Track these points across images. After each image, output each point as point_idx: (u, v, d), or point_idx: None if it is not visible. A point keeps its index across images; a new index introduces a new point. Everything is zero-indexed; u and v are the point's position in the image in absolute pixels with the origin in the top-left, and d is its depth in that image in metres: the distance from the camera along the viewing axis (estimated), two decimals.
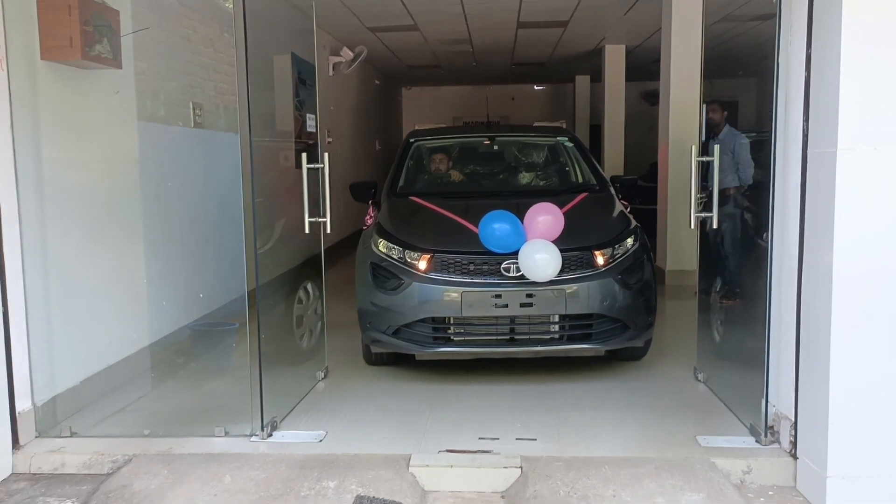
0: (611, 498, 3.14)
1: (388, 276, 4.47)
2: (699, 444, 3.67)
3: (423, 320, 4.39)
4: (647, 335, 4.69)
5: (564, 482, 3.27)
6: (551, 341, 4.45)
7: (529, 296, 4.31)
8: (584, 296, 4.35)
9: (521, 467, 3.43)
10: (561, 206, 4.51)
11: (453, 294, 4.33)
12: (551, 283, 4.27)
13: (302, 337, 4.74)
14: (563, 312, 4.36)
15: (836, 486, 3.11)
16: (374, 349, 4.77)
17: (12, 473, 3.63)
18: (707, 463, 3.44)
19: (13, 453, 3.66)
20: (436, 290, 4.35)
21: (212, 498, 3.19)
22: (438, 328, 4.43)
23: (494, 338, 4.44)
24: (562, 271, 4.27)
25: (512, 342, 4.43)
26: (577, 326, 4.43)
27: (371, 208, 5.41)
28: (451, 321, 4.42)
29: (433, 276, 4.38)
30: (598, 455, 3.56)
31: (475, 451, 3.62)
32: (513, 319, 4.38)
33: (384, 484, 3.28)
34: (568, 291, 4.32)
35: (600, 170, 5.81)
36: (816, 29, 3.17)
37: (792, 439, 3.45)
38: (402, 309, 4.39)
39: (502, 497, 3.35)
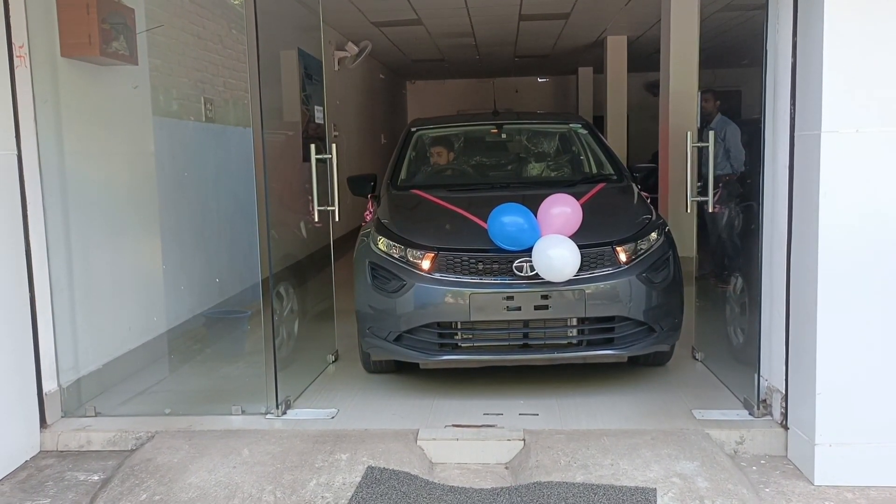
0: (609, 466, 3.31)
1: (388, 276, 4.12)
2: (694, 417, 3.84)
3: (427, 325, 4.05)
4: (673, 338, 4.30)
5: (565, 452, 3.44)
6: (569, 347, 4.10)
7: (545, 297, 3.96)
8: (606, 296, 4.02)
9: (523, 440, 3.60)
10: (577, 197, 4.16)
11: (460, 296, 3.98)
12: (569, 282, 3.93)
13: (311, 322, 4.92)
14: (583, 315, 4.01)
15: (824, 454, 3.27)
16: (374, 357, 4.43)
17: (41, 451, 3.83)
18: (702, 434, 3.61)
19: (41, 432, 3.85)
20: (441, 292, 4.01)
21: (231, 469, 3.37)
22: (444, 334, 4.09)
23: (506, 344, 4.12)
24: (580, 270, 3.92)
25: (525, 348, 4.11)
26: (597, 330, 4.09)
27: (370, 203, 5.10)
28: (459, 326, 4.08)
29: (438, 276, 4.04)
30: (597, 428, 3.74)
31: (480, 426, 3.79)
32: (526, 324, 4.06)
33: (394, 456, 3.46)
34: (587, 292, 3.98)
35: (618, 158, 5.41)
36: (801, 17, 3.32)
37: (783, 411, 3.61)
38: (403, 313, 4.05)
39: (506, 468, 3.52)
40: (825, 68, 3.11)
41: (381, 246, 4.27)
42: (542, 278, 3.93)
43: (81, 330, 4.18)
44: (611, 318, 4.08)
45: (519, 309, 3.99)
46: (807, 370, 3.33)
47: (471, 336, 4.11)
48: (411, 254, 4.14)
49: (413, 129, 5.76)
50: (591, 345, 4.12)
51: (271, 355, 3.98)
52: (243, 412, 4.01)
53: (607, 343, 4.11)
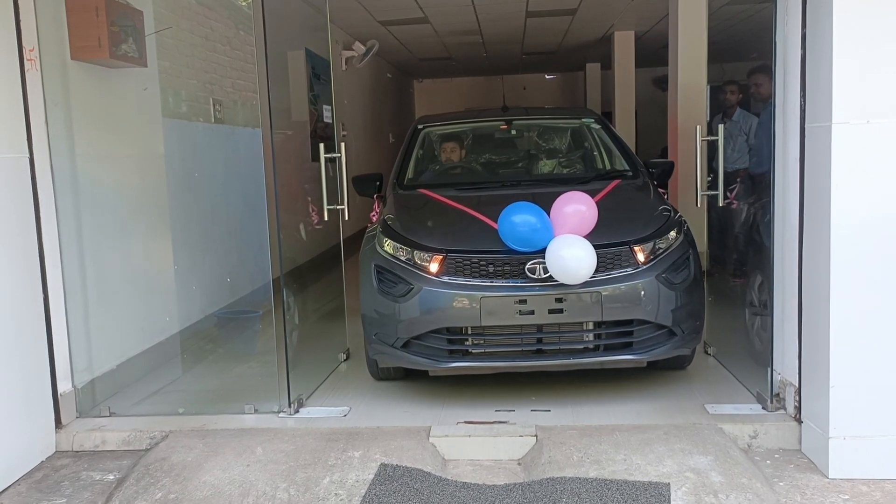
0: (622, 461, 3.31)
1: (395, 280, 3.97)
2: (707, 412, 3.83)
3: (436, 331, 3.90)
4: (695, 341, 4.13)
5: (578, 448, 3.44)
6: (585, 352, 3.96)
7: (559, 300, 3.80)
8: (624, 299, 3.83)
9: (536, 436, 3.60)
10: (591, 195, 3.98)
11: (470, 300, 3.83)
12: (584, 285, 3.76)
13: (322, 321, 4.94)
14: (600, 319, 3.85)
15: (838, 447, 3.26)
16: (381, 363, 4.27)
17: (56, 451, 3.86)
18: (715, 428, 3.60)
19: (56, 432, 3.89)
20: (450, 296, 3.85)
21: (245, 468, 3.39)
22: (454, 340, 3.94)
23: (519, 350, 3.97)
24: (596, 271, 3.76)
25: (539, 354, 3.96)
26: (615, 334, 3.92)
27: (377, 203, 4.92)
28: (469, 331, 3.94)
29: (447, 279, 3.88)
30: (609, 423, 3.73)
31: (492, 422, 3.79)
32: (540, 328, 3.90)
33: (406, 453, 3.46)
34: (604, 294, 3.80)
35: (633, 154, 5.18)
36: (810, 8, 3.30)
37: (796, 404, 3.60)
38: (411, 318, 3.90)
39: (518, 464, 3.53)
40: (835, 59, 3.09)
41: (387, 248, 4.12)
42: (557, 280, 3.77)
43: (95, 331, 4.20)
44: (629, 322, 3.89)
45: (532, 313, 3.84)
46: (820, 363, 3.31)
47: (482, 342, 3.97)
48: (418, 256, 3.99)
49: (420, 127, 5.57)
50: (609, 350, 3.94)
51: (283, 354, 3.99)
52: (256, 411, 4.03)
53: (626, 348, 3.92)
